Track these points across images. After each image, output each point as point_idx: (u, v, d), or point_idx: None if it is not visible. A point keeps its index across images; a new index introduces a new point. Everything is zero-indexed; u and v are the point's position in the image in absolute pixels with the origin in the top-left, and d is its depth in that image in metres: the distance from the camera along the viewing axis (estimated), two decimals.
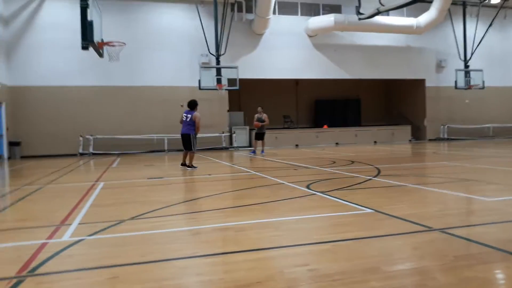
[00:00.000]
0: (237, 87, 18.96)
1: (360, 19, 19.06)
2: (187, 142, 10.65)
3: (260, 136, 16.39)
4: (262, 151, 16.57)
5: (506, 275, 2.84)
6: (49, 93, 18.59)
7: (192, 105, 10.71)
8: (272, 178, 8.36)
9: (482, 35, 22.57)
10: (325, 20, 21.23)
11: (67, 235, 4.21)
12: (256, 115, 16.27)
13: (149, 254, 3.53)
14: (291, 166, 10.93)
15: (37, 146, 18.45)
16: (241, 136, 21.16)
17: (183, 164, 10.98)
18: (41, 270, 3.18)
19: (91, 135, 18.80)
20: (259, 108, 16.33)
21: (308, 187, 6.97)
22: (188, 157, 10.87)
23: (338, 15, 21.30)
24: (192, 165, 10.78)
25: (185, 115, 10.71)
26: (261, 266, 3.15)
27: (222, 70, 18.65)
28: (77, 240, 4.01)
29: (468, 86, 22.13)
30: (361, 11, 16.49)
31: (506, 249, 3.31)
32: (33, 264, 3.30)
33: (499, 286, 2.71)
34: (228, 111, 21.09)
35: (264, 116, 15.98)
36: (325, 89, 25.38)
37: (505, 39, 25.23)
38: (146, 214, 5.21)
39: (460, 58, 22.64)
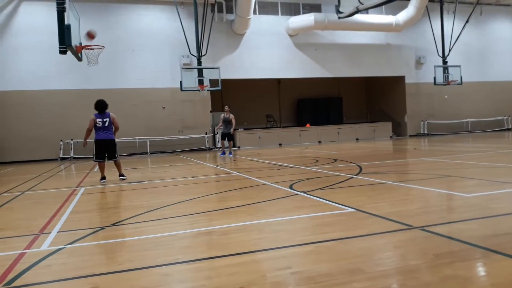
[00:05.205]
0: (219, 88, 18.91)
1: (340, 17, 19.23)
2: (113, 149, 9.33)
3: (227, 135, 15.51)
4: (230, 153, 15.80)
5: (486, 272, 2.88)
6: (28, 97, 18.24)
7: (104, 106, 9.13)
8: (255, 179, 8.35)
9: (459, 31, 22.96)
10: (306, 19, 21.34)
11: (45, 244, 4.12)
12: (222, 115, 15.58)
13: (129, 261, 3.47)
14: (274, 166, 10.94)
15: (16, 152, 18.09)
16: None
17: (105, 178, 9.28)
18: (18, 282, 3.10)
19: (72, 139, 18.50)
20: (226, 107, 15.73)
21: (291, 187, 6.97)
22: (116, 167, 9.57)
23: (318, 14, 21.45)
24: (123, 174, 9.59)
25: (100, 120, 9.04)
26: (244, 270, 3.13)
27: (204, 71, 18.58)
28: (56, 249, 3.92)
29: (447, 82, 22.49)
30: (340, 9, 16.64)
31: (485, 245, 3.35)
32: (10, 276, 3.21)
33: (479, 283, 2.74)
34: (210, 111, 21.01)
35: (231, 116, 15.26)
36: (307, 88, 25.52)
37: (481, 35, 25.72)
38: (127, 220, 5.13)
39: (439, 55, 22.99)
